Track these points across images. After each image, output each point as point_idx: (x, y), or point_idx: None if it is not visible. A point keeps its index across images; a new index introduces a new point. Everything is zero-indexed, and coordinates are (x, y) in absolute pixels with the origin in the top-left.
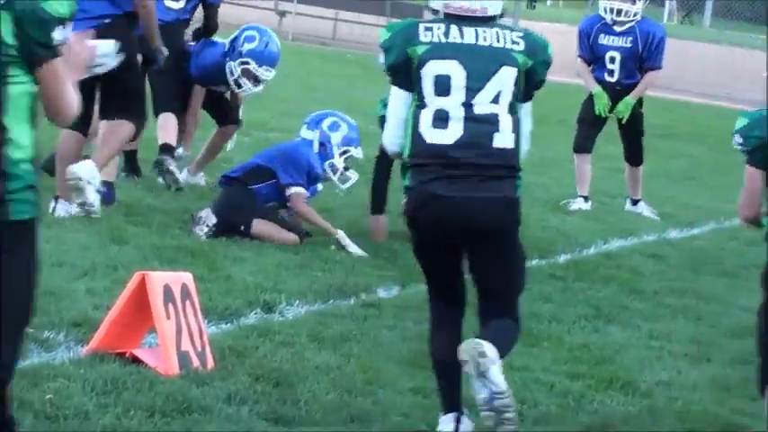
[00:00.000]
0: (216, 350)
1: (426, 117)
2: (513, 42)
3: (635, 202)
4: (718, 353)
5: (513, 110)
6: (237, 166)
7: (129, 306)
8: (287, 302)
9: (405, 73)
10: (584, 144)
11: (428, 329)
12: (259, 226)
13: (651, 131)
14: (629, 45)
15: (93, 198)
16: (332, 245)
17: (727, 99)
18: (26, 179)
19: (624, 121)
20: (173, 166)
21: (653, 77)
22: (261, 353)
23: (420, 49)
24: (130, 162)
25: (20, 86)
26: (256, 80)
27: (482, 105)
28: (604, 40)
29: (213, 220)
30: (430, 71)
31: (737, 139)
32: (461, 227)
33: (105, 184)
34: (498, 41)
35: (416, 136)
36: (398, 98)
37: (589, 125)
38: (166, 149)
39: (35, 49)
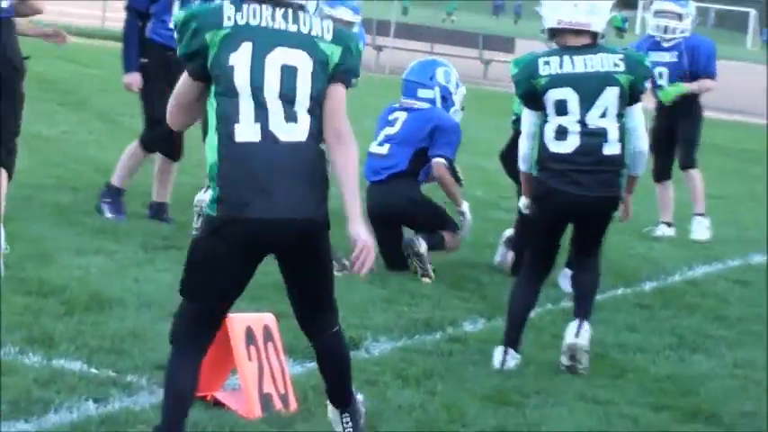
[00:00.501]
0: (299, 391)
1: (549, 131)
2: (615, 65)
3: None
4: None
5: (619, 120)
6: (379, 162)
7: (210, 349)
8: (372, 339)
9: (532, 99)
10: (661, 172)
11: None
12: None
13: (743, 156)
14: (675, 60)
15: None
16: (420, 277)
17: None
18: None
19: (667, 102)
20: None
21: (708, 83)
22: None
23: (542, 81)
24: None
25: None
26: None
27: (593, 120)
28: (654, 57)
29: (423, 245)
30: (551, 97)
31: None
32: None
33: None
34: (603, 66)
35: (542, 145)
36: (529, 116)
37: (661, 153)
38: None
39: None
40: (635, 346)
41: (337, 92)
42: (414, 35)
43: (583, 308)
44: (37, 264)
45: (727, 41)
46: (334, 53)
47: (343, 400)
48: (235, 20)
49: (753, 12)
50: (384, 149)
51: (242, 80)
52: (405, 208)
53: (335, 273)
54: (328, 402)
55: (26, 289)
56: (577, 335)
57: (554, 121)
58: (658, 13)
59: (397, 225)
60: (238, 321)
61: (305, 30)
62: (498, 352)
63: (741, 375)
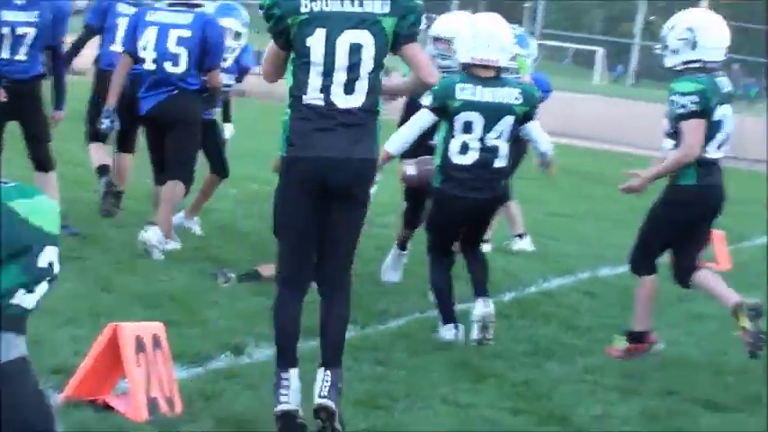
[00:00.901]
0: (185, 395)
1: (454, 145)
2: (515, 98)
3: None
4: (647, 385)
5: (510, 140)
6: None
7: (102, 355)
8: (255, 345)
9: (442, 112)
10: None
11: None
12: None
13: (587, 178)
14: None
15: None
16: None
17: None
18: None
19: None
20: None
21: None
22: (226, 396)
23: (456, 103)
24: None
25: None
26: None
27: (490, 140)
28: None
29: None
30: (461, 118)
31: (693, 101)
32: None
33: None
34: (505, 99)
35: (446, 157)
36: (427, 115)
37: None
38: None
39: None
40: (495, 353)
41: (411, 48)
42: None
43: (483, 288)
44: None
45: (578, 76)
46: (392, 25)
47: (329, 358)
48: (311, 7)
49: (600, 50)
50: None
51: (316, 58)
52: None
53: (221, 284)
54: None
55: None
56: (486, 306)
57: (459, 138)
58: None
59: None
60: (128, 330)
61: (369, 9)
62: (449, 331)
63: (591, 380)
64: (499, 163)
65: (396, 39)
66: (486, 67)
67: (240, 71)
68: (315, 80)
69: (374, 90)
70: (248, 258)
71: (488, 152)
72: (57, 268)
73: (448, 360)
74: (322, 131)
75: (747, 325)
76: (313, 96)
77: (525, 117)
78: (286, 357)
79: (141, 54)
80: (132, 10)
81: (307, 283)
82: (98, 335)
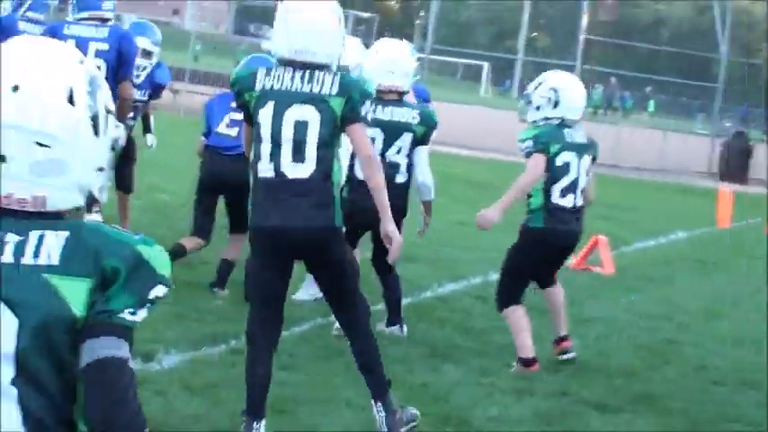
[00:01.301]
0: None
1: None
2: (413, 118)
3: None
4: (540, 387)
5: (409, 157)
6: (231, 141)
7: None
8: (164, 351)
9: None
10: None
11: (286, 375)
12: None
13: (478, 186)
14: None
15: None
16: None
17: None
18: None
19: None
20: None
21: None
22: None
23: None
24: None
25: None
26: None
27: (391, 155)
28: None
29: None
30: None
31: (529, 143)
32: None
33: None
34: (403, 118)
35: (353, 171)
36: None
37: None
38: None
39: None
40: (395, 357)
41: (354, 130)
42: (206, 80)
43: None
44: None
45: (465, 90)
46: (340, 104)
47: (376, 391)
48: (263, 84)
49: (486, 65)
50: (234, 132)
51: (266, 131)
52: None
53: None
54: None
55: None
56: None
57: None
58: None
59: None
60: None
61: (317, 89)
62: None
63: (487, 383)
64: (400, 178)
65: (342, 118)
66: (390, 91)
67: (154, 87)
68: (266, 152)
69: (324, 160)
70: None
71: (390, 167)
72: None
73: (349, 364)
74: (276, 202)
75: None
76: (264, 168)
77: (423, 137)
78: (257, 410)
79: None
80: (32, 27)
81: (274, 340)
82: None
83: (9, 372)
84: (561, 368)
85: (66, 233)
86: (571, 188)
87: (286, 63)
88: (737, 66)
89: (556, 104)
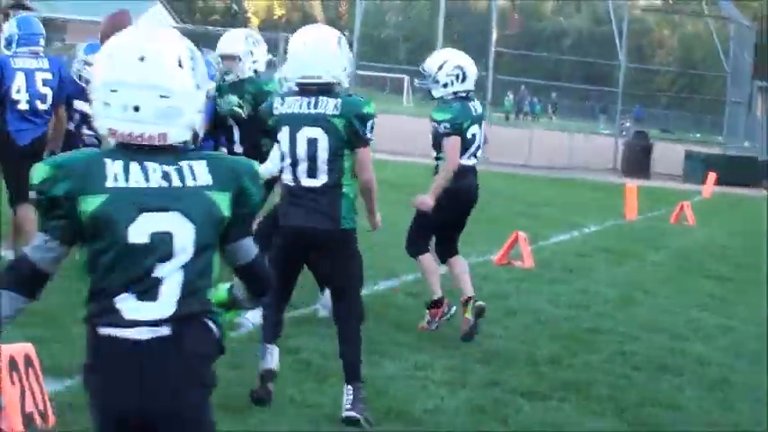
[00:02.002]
0: (57, 407)
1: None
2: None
3: None
4: (472, 379)
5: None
6: None
7: None
8: None
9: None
10: None
11: (235, 374)
12: None
13: (408, 190)
14: None
15: None
16: None
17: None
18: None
19: None
20: None
21: None
22: None
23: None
24: None
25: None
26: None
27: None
28: None
29: None
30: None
31: (446, 125)
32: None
33: None
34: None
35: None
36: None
37: None
38: None
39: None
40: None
41: (359, 152)
42: None
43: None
44: None
45: (387, 101)
46: (343, 124)
47: (350, 375)
48: (279, 110)
49: (406, 77)
50: None
51: (285, 149)
52: None
53: None
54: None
55: None
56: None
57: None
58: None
59: None
60: (2, 352)
61: (321, 111)
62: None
63: (422, 376)
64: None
65: (350, 141)
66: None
67: None
68: (287, 166)
69: (335, 171)
70: None
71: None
72: None
73: (294, 362)
74: (295, 205)
75: (470, 317)
76: (287, 178)
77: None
78: (269, 336)
79: (14, 96)
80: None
81: (283, 304)
82: None
83: (185, 258)
84: (491, 359)
85: (204, 161)
86: (474, 152)
87: (298, 89)
88: (633, 71)
89: (463, 80)
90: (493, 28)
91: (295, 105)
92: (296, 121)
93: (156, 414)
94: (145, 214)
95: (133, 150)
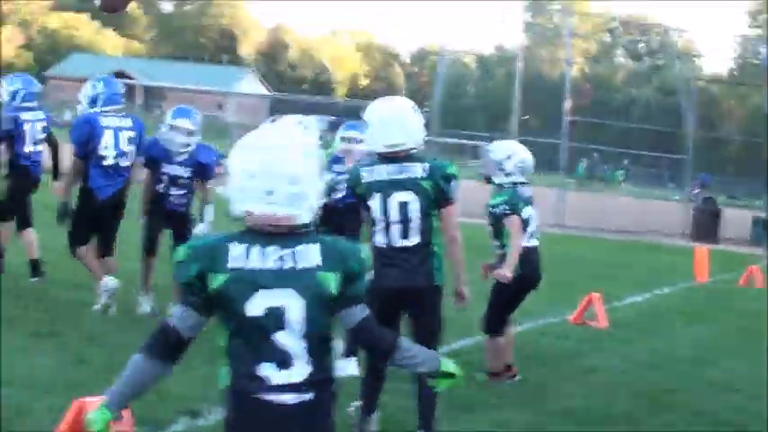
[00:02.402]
0: None
1: None
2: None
3: None
4: None
5: None
6: None
7: (70, 428)
8: (209, 411)
9: None
10: None
11: None
12: None
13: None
14: None
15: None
16: None
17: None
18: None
19: None
20: None
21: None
22: None
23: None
24: None
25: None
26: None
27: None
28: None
29: None
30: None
31: (504, 207)
32: None
33: None
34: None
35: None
36: None
37: None
38: None
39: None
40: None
41: (446, 210)
42: None
43: None
44: None
45: (465, 167)
46: (431, 185)
47: (424, 426)
48: (367, 179)
49: (483, 143)
50: None
51: (377, 214)
52: None
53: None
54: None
55: None
56: None
57: None
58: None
59: None
60: (92, 406)
61: (410, 175)
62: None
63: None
64: None
65: (437, 201)
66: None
67: (198, 166)
68: (380, 229)
69: (426, 231)
70: None
71: None
72: None
73: (380, 420)
74: (389, 266)
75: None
76: (379, 241)
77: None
78: (368, 408)
79: (102, 152)
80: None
81: (382, 365)
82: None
83: (299, 328)
84: (569, 416)
85: (318, 245)
86: (533, 232)
87: (382, 157)
88: (701, 139)
89: (523, 172)
90: (566, 98)
91: (384, 173)
92: (387, 187)
93: None
94: (261, 291)
95: (256, 235)
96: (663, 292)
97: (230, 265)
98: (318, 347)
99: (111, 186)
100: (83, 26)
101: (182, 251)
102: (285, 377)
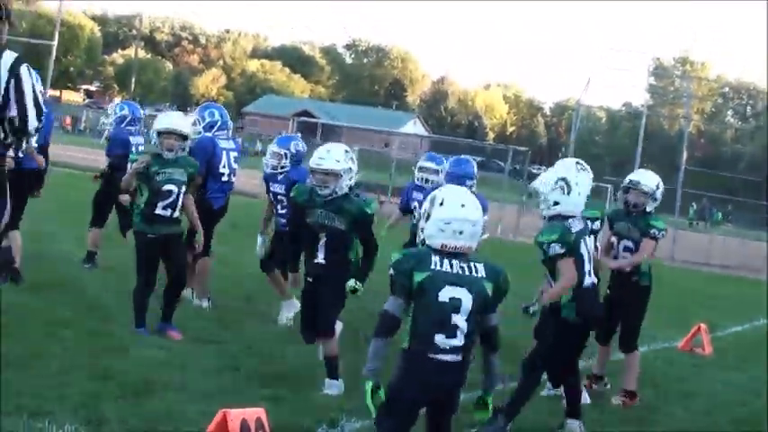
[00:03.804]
0: None
1: None
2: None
3: None
4: None
5: None
6: None
7: None
8: (347, 420)
9: None
10: None
11: None
12: None
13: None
14: None
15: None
16: None
17: None
18: None
19: None
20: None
21: None
22: None
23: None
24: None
25: None
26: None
27: None
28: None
29: None
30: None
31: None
32: None
33: None
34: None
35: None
36: None
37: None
38: None
39: None
40: None
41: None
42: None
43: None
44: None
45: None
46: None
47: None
48: (433, 267)
49: (610, 186)
50: None
51: (585, 256)
52: None
53: None
54: None
55: (93, 374)
56: None
57: None
58: (421, 169)
59: None
60: (235, 415)
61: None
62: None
63: None
64: None
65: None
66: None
67: (291, 183)
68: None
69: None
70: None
71: None
72: None
73: None
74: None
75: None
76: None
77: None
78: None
79: (221, 170)
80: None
81: None
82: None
83: (466, 313)
84: None
85: (482, 263)
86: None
87: (441, 253)
88: None
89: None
90: (684, 150)
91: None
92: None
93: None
94: (447, 286)
95: (446, 253)
96: (761, 322)
97: (431, 267)
98: (473, 326)
99: (222, 198)
100: (276, 72)
101: (397, 255)
102: (450, 343)
